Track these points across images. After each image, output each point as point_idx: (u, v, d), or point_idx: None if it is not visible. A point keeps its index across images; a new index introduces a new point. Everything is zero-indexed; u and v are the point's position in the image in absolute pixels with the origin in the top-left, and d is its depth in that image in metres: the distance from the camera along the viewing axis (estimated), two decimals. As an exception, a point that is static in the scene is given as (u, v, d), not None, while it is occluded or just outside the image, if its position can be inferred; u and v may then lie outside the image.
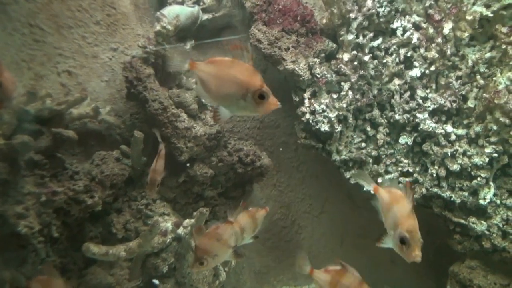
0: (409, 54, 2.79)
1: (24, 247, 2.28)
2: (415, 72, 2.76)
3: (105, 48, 2.82)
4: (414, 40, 2.76)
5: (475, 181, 2.64)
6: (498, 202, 2.66)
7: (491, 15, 2.58)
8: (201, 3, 3.03)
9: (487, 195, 2.65)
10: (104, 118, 2.70)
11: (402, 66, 2.80)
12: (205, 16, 3.00)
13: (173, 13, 2.75)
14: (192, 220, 2.49)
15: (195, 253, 1.88)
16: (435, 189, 2.78)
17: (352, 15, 2.76)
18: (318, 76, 2.82)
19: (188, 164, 2.79)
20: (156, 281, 2.49)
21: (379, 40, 2.83)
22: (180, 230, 2.53)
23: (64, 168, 2.46)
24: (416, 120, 2.76)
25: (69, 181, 2.43)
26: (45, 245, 2.35)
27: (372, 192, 1.77)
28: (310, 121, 2.85)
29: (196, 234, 1.93)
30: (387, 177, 2.87)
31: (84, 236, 2.56)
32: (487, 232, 2.65)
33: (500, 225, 2.64)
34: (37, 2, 2.62)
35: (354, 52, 2.79)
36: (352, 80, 2.81)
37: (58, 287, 1.91)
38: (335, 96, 2.84)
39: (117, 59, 2.83)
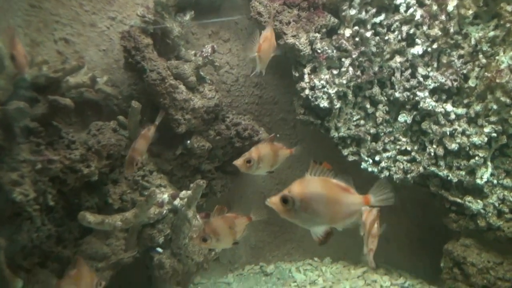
0: (411, 31, 2.76)
1: (19, 214, 2.27)
2: (417, 49, 2.73)
3: (103, 16, 2.77)
4: (417, 17, 2.72)
5: (472, 161, 2.64)
6: (495, 181, 2.67)
7: (496, -8, 2.55)
8: (202, -26, 2.97)
9: (484, 174, 2.65)
10: (101, 88, 2.66)
11: (404, 43, 2.77)
12: (206, -13, 2.95)
13: (173, -18, 2.69)
14: (189, 192, 2.48)
15: (203, 228, 1.87)
16: (433, 168, 2.78)
17: (355, -11, 2.72)
18: (319, 51, 2.79)
19: (188, 142, 2.77)
20: (159, 249, 2.49)
21: (382, 16, 2.79)
22: (177, 202, 2.52)
23: (60, 136, 2.44)
24: (416, 98, 2.74)
25: (65, 150, 2.41)
26: (40, 213, 2.34)
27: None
28: (310, 97, 2.82)
29: (215, 212, 1.92)
30: (384, 155, 2.86)
31: (80, 206, 2.55)
32: (482, 211, 2.66)
33: (496, 204, 2.65)
34: (34, -34, 2.56)
35: (356, 28, 2.76)
36: (353, 56, 2.78)
37: (88, 279, 1.89)
38: (335, 72, 2.81)
39: (115, 28, 2.78)
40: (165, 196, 2.56)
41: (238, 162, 1.99)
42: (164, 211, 2.52)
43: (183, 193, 2.53)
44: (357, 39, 2.76)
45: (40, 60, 2.39)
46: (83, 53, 2.70)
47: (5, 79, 2.24)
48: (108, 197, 2.59)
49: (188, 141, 2.77)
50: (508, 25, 2.55)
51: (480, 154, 2.63)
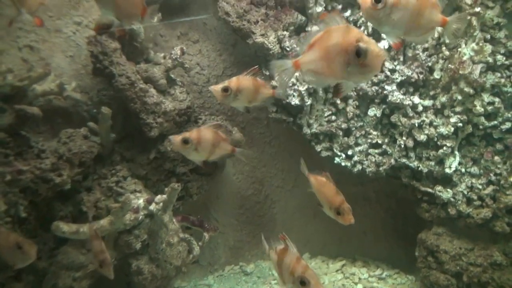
0: (377, 27, 2.81)
1: (-10, 227, 2.21)
2: (383, 44, 2.79)
3: (68, 21, 2.72)
4: (382, 12, 2.77)
5: (441, 151, 2.72)
6: (463, 170, 2.75)
7: (457, -14, 2.62)
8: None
9: (452, 164, 2.73)
10: (69, 95, 2.62)
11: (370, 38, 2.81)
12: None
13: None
14: (164, 196, 2.47)
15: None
16: (403, 160, 2.84)
17: (321, -13, 2.76)
18: (288, 49, 2.82)
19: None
20: None
21: (348, 13, 2.83)
22: (152, 207, 2.51)
23: (29, 146, 2.39)
24: (385, 92, 2.80)
25: (35, 159, 2.37)
26: (12, 225, 2.29)
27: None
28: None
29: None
30: (357, 149, 2.92)
31: (53, 216, 2.50)
32: (452, 200, 2.74)
33: (465, 192, 2.73)
34: (-7, -29, 2.50)
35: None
36: (322, 53, 2.81)
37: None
38: (305, 69, 2.84)
39: (81, 33, 2.74)
40: (141, 202, 2.54)
41: (215, 89, 1.84)
42: (140, 217, 2.51)
43: (159, 197, 2.51)
44: (324, 36, 2.80)
45: (4, 69, 2.33)
46: (49, 59, 2.65)
47: (-32, 90, 2.19)
48: (82, 206, 2.55)
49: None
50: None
51: (448, 144, 2.70)
